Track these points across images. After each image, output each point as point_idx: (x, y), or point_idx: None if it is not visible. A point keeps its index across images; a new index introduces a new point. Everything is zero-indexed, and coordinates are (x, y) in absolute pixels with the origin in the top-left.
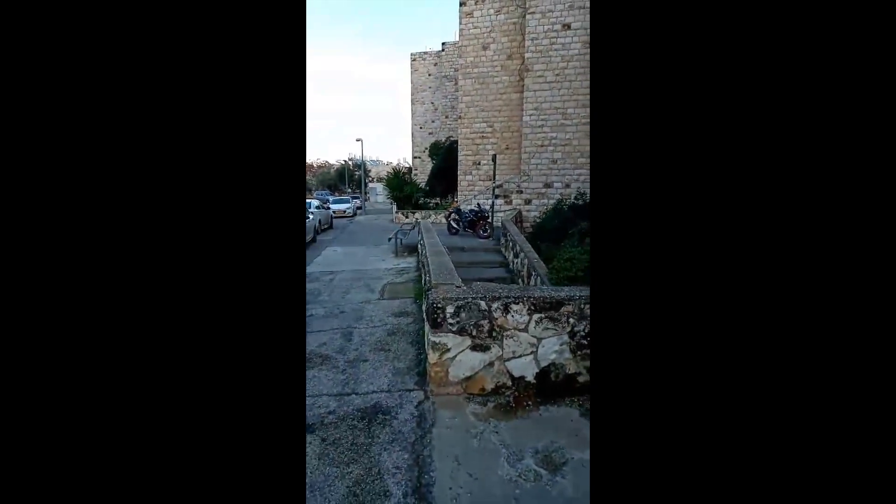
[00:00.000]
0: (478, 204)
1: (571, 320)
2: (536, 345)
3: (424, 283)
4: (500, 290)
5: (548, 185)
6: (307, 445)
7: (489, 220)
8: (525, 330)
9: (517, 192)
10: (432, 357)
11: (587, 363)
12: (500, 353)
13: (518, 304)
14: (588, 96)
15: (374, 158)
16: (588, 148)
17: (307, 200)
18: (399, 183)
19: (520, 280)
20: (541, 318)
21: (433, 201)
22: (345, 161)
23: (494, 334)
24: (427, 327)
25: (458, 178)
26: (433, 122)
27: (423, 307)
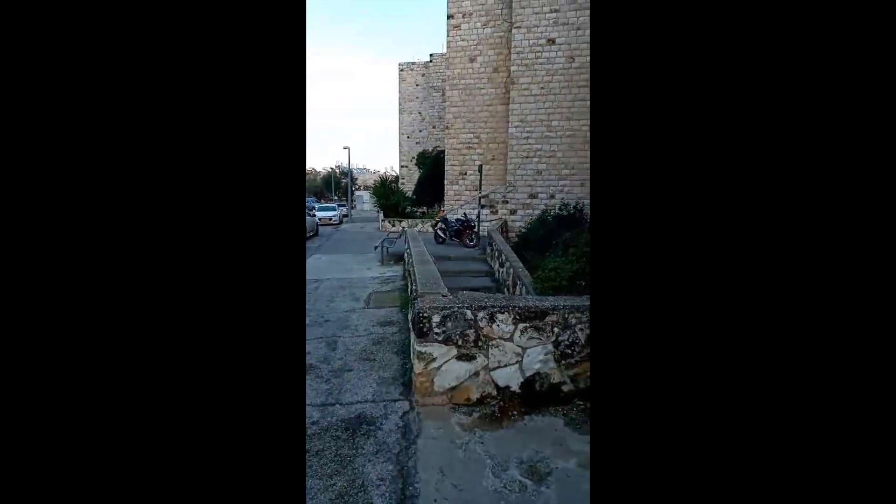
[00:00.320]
0: (464, 213)
1: (556, 329)
2: (521, 354)
3: (410, 292)
4: (486, 300)
5: (533, 196)
6: None
7: (475, 229)
8: (510, 339)
9: (503, 202)
10: (418, 367)
11: (571, 372)
12: (486, 362)
13: (504, 313)
14: (571, 109)
15: (361, 167)
16: (572, 160)
17: None
18: (386, 191)
19: (505, 289)
20: (526, 328)
21: (420, 210)
22: (331, 169)
23: (480, 344)
24: (413, 336)
25: (445, 188)
26: (421, 131)
27: (409, 316)
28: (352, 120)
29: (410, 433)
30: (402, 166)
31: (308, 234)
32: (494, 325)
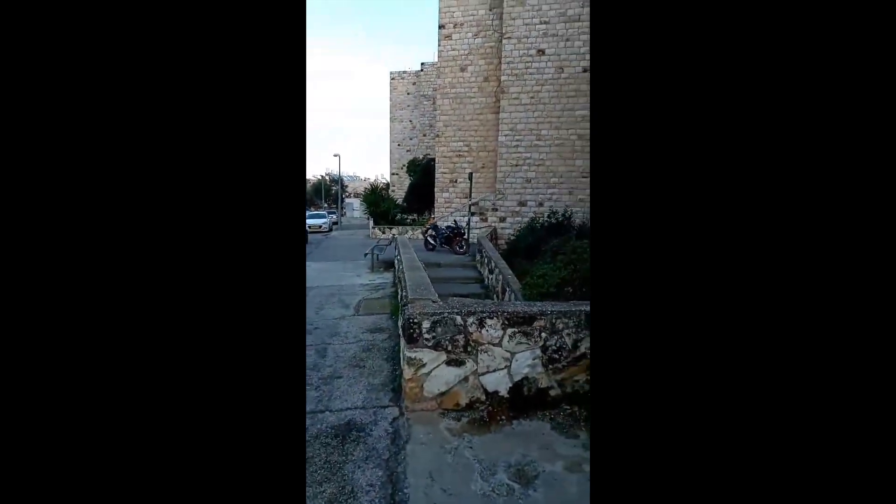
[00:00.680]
0: (454, 220)
1: (544, 335)
2: (510, 359)
3: (400, 299)
4: (476, 306)
5: (522, 204)
6: None
7: (465, 236)
8: (499, 344)
9: (492, 209)
10: (408, 373)
11: (558, 377)
12: (475, 367)
13: (492, 318)
14: (560, 119)
15: (352, 174)
16: (560, 168)
17: None
18: (376, 199)
19: (494, 295)
20: (514, 333)
21: (410, 217)
22: (322, 176)
23: (469, 349)
24: (403, 343)
25: (436, 195)
26: (411, 139)
27: (399, 323)
28: (350, 120)
29: (400, 439)
30: (392, 174)
31: None
32: (483, 331)
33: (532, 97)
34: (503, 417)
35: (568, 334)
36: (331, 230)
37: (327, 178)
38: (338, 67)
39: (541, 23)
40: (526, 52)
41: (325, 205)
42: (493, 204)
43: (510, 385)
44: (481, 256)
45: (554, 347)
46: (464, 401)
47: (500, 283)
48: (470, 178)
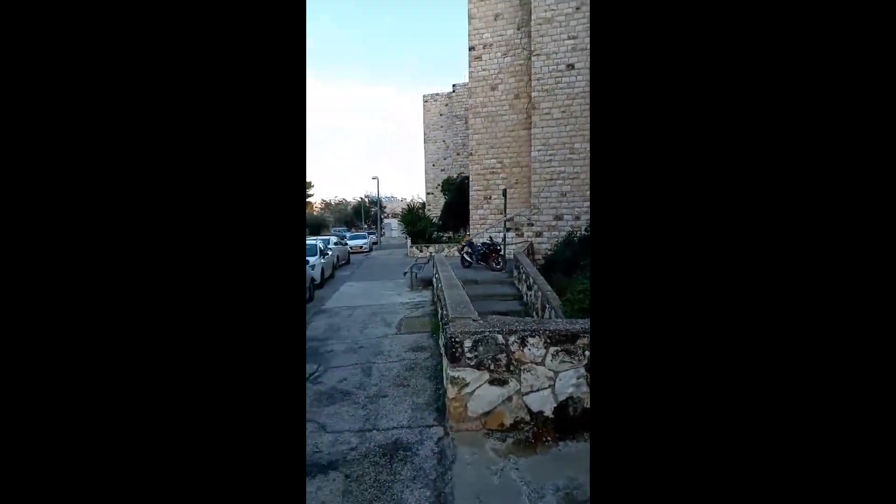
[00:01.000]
0: (490, 237)
1: (587, 353)
2: (554, 378)
3: (441, 318)
4: (517, 324)
5: (558, 218)
6: (331, 483)
7: (501, 252)
8: (542, 363)
9: (528, 224)
10: (451, 392)
11: None
12: (518, 387)
13: (534, 337)
14: None
15: (389, 195)
16: None
17: (326, 238)
18: (413, 218)
19: (534, 312)
20: (557, 351)
21: (446, 235)
22: (361, 198)
23: (512, 368)
24: (446, 362)
25: (470, 213)
26: (445, 159)
27: (441, 341)
28: (384, 143)
29: (446, 459)
30: (427, 193)
31: (340, 263)
32: (526, 349)
33: (563, 111)
34: (549, 438)
35: None
36: (371, 250)
37: (366, 199)
38: (374, 94)
39: (569, 38)
40: (555, 67)
41: (366, 226)
42: (529, 219)
43: (555, 405)
44: (518, 272)
45: None
46: (508, 421)
47: (539, 299)
48: (504, 194)
